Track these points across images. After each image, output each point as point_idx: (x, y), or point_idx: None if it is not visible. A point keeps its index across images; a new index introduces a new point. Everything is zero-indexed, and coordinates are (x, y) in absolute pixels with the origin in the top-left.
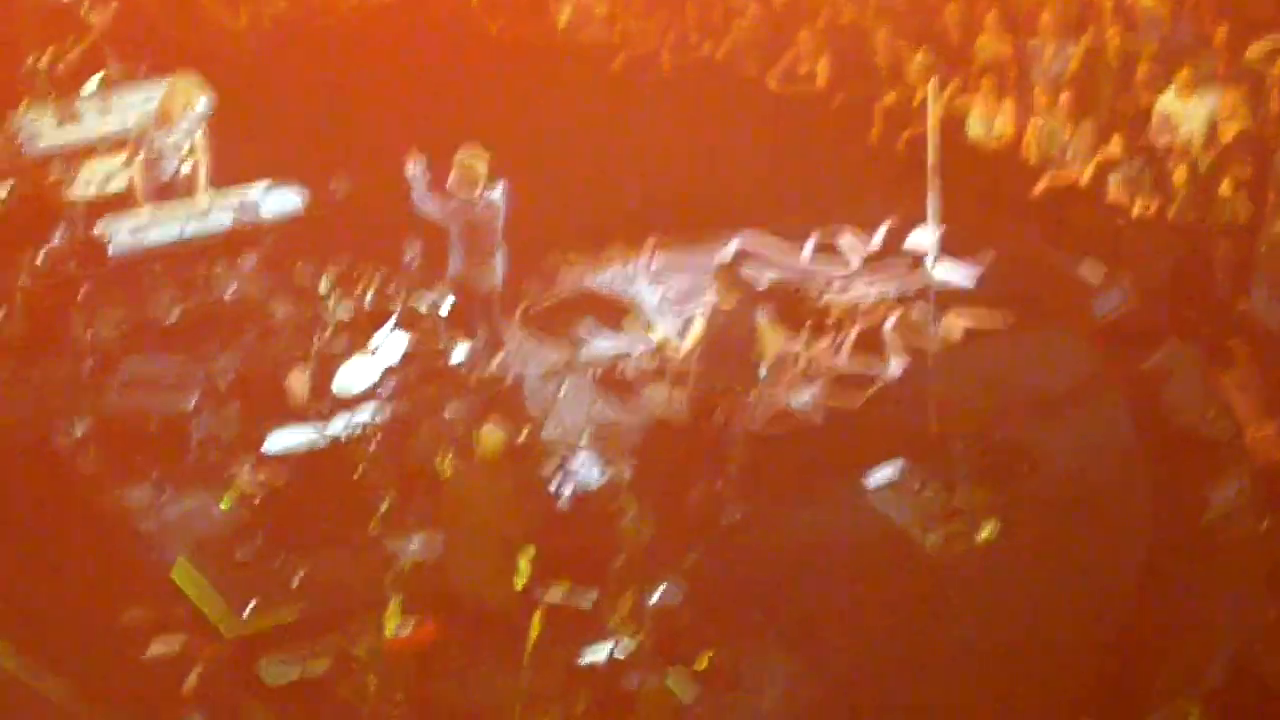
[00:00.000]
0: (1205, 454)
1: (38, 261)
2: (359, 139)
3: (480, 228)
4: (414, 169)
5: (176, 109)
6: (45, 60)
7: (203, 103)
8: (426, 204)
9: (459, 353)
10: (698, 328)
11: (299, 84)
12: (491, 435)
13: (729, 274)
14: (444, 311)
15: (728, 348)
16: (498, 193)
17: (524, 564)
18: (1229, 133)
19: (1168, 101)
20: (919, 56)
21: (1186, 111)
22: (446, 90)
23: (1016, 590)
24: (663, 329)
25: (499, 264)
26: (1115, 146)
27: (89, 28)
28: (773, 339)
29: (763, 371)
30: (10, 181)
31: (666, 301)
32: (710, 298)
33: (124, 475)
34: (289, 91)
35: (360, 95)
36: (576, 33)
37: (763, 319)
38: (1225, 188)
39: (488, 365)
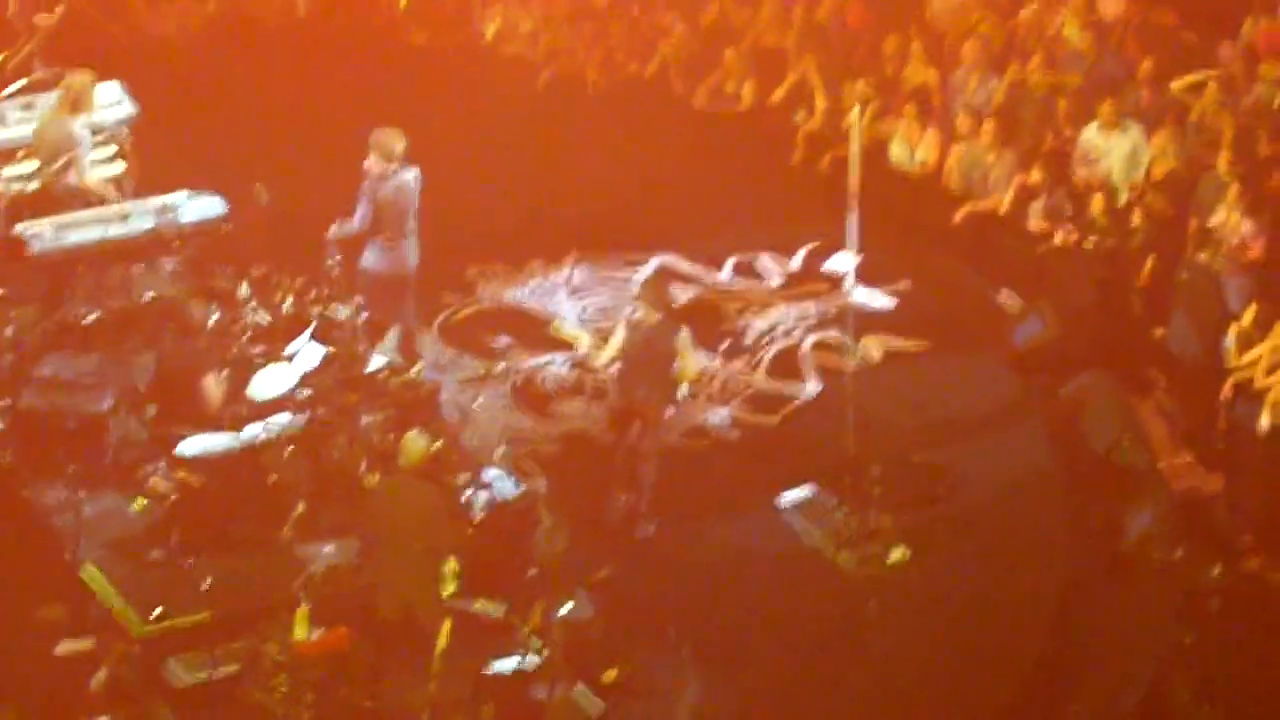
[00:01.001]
0: (1121, 481)
1: None
2: (283, 146)
3: (395, 205)
4: (335, 230)
5: (83, 100)
6: None
7: (127, 106)
8: (346, 228)
9: (376, 361)
10: (617, 339)
11: (224, 90)
12: (415, 442)
13: (654, 289)
14: (362, 319)
15: (647, 362)
16: (412, 174)
17: (450, 573)
18: (1157, 167)
19: (1090, 134)
20: (843, 82)
21: (1108, 144)
22: (371, 100)
23: (931, 612)
24: (584, 342)
25: (413, 248)
26: (1036, 176)
27: (34, 30)
28: (694, 359)
29: (683, 390)
30: None
31: (585, 316)
32: (633, 311)
33: (39, 473)
34: (214, 97)
35: (285, 103)
36: (502, 46)
37: (684, 337)
38: (1145, 217)
39: (404, 374)
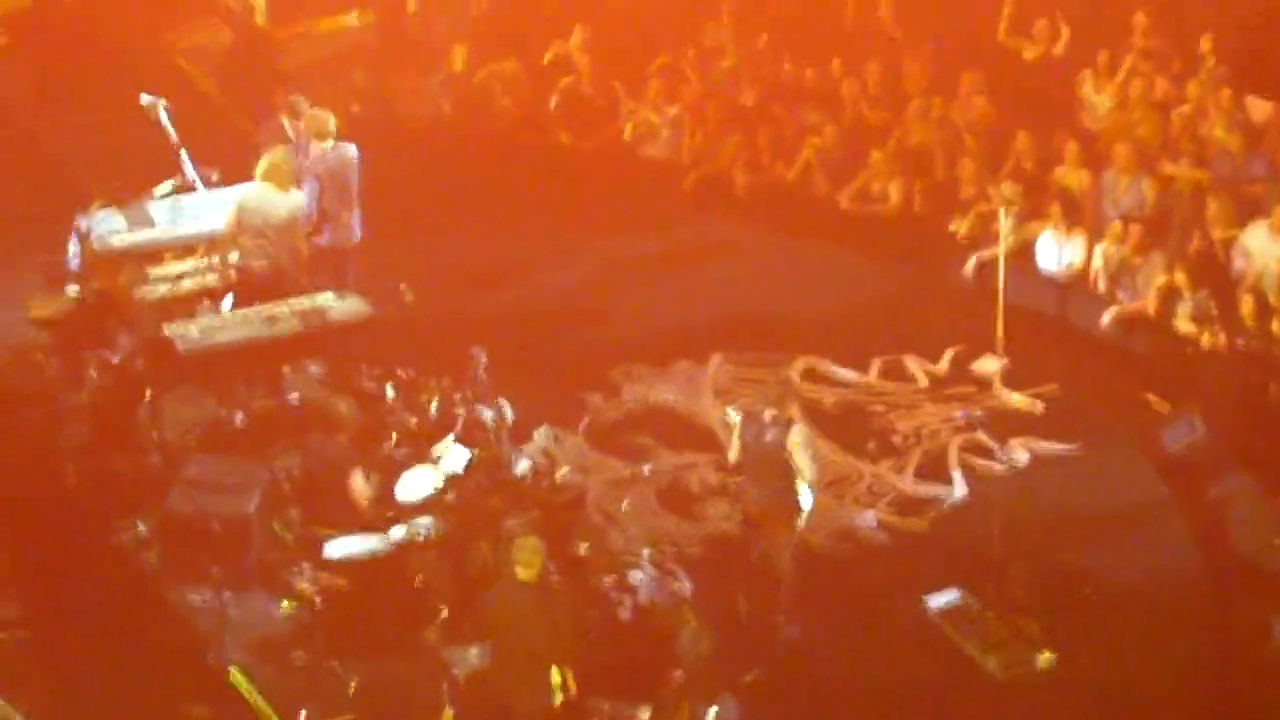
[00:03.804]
0: (1268, 584)
1: (108, 359)
2: (430, 246)
3: (337, 177)
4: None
5: (283, 174)
6: None
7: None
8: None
9: (522, 465)
10: (735, 435)
11: (370, 190)
12: (528, 550)
13: (775, 385)
14: (509, 419)
15: (760, 460)
16: (351, 149)
17: (560, 681)
18: None
19: (1252, 235)
20: (992, 183)
21: (1270, 247)
22: (518, 201)
23: (1077, 716)
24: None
25: (356, 220)
26: (1183, 277)
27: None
28: (809, 460)
29: (805, 490)
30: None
31: (731, 417)
32: (756, 407)
33: (185, 574)
34: (361, 198)
35: (432, 202)
36: (640, 147)
37: (797, 436)
38: None
39: (551, 478)
